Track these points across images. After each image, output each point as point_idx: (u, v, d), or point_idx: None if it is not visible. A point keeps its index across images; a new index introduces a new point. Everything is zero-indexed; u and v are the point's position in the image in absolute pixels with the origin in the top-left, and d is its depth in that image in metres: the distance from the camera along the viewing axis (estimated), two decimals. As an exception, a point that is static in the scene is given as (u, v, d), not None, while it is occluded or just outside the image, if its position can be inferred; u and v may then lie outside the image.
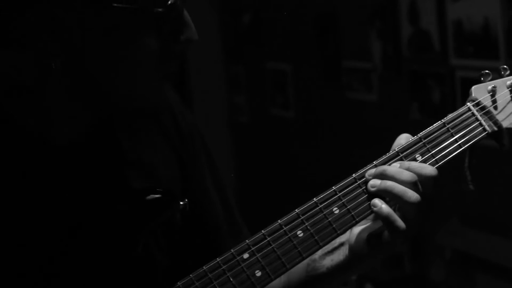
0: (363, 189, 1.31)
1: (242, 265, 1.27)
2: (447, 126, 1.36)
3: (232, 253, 1.27)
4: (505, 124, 1.36)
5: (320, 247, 1.29)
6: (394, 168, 1.30)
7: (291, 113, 4.83)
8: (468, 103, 1.38)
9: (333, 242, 1.34)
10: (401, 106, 3.86)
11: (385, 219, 1.28)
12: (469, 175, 1.36)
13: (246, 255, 1.27)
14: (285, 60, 4.80)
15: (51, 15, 1.19)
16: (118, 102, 1.28)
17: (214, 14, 5.36)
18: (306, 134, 4.72)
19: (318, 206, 1.30)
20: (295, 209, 1.29)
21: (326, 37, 4.42)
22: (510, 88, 1.38)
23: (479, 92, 1.38)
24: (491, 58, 3.27)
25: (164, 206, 1.32)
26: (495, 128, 1.36)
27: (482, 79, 1.39)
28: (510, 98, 1.38)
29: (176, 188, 1.38)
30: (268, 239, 1.28)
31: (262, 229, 1.29)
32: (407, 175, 1.28)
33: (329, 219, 1.30)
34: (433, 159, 1.33)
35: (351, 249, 1.35)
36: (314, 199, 1.30)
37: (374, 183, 1.30)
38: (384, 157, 1.33)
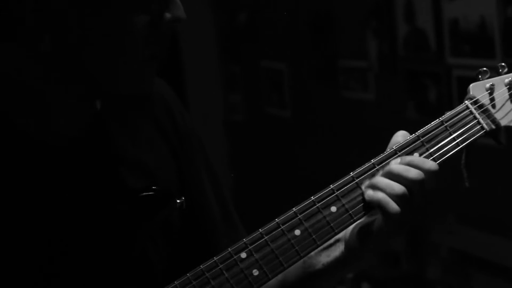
0: (360, 188, 1.30)
1: (240, 264, 1.26)
2: (445, 125, 1.35)
3: (229, 252, 1.27)
4: (503, 122, 1.36)
5: (318, 246, 1.29)
6: (401, 166, 1.29)
7: (287, 112, 4.82)
8: (466, 101, 1.37)
9: None
10: (398, 105, 3.85)
11: (378, 203, 1.28)
12: (466, 173, 1.36)
13: (243, 254, 1.27)
14: (281, 59, 4.80)
15: None
16: (108, 89, 1.26)
17: (210, 13, 5.36)
18: (302, 133, 4.72)
19: (315, 205, 1.30)
20: (293, 208, 1.29)
21: (322, 36, 4.41)
22: (508, 86, 1.37)
23: (477, 90, 1.37)
24: (487, 57, 3.27)
25: (161, 204, 1.31)
26: (493, 127, 1.36)
27: (480, 77, 1.38)
28: (508, 96, 1.37)
29: (173, 187, 1.38)
30: (266, 238, 1.28)
31: (259, 228, 1.28)
32: (414, 173, 1.28)
33: (327, 218, 1.29)
34: (431, 158, 1.33)
35: (347, 244, 1.35)
36: (312, 197, 1.30)
37: (368, 193, 1.30)
38: (382, 155, 1.33)
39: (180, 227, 1.38)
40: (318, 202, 1.29)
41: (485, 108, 1.36)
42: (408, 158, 1.30)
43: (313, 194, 1.30)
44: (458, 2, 3.49)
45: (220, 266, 1.26)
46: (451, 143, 1.34)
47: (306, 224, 1.28)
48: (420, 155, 1.33)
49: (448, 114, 1.36)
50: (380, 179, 1.28)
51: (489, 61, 3.21)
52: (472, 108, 1.36)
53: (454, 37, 3.53)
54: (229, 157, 5.49)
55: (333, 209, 1.29)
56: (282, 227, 1.28)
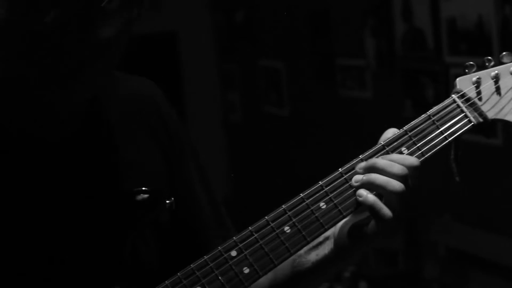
0: (349, 183, 1.30)
1: (230, 262, 1.26)
2: (432, 119, 1.35)
3: (219, 251, 1.26)
4: (490, 115, 1.35)
5: (308, 242, 1.28)
6: (385, 161, 1.29)
7: (285, 111, 4.82)
8: (452, 95, 1.37)
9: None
10: (395, 103, 3.86)
11: (371, 208, 1.27)
12: (455, 167, 1.35)
13: (233, 252, 1.26)
14: (278, 57, 4.80)
15: None
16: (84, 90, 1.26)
17: (207, 12, 5.36)
18: (299, 132, 4.72)
19: (304, 201, 1.29)
20: (282, 205, 1.28)
21: (319, 35, 4.42)
22: (494, 79, 1.37)
23: (464, 83, 1.37)
24: (484, 55, 3.26)
25: (150, 205, 1.31)
26: (481, 120, 1.36)
27: (466, 70, 1.38)
28: (494, 89, 1.37)
29: (162, 188, 1.37)
30: (256, 235, 1.27)
31: (249, 226, 1.28)
32: (397, 168, 1.27)
33: (316, 214, 1.28)
34: (419, 152, 1.32)
35: (336, 242, 1.34)
36: (301, 194, 1.29)
37: (357, 178, 1.29)
38: (370, 150, 1.32)
39: (170, 227, 1.37)
40: (307, 199, 1.29)
41: (472, 101, 1.36)
42: (389, 157, 1.30)
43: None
44: (456, 1, 3.49)
45: (211, 264, 1.25)
46: (439, 137, 1.34)
47: (296, 221, 1.28)
48: (408, 149, 1.32)
49: (435, 108, 1.35)
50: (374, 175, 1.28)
51: (486, 59, 3.21)
52: (459, 101, 1.36)
53: (451, 36, 3.53)
54: (227, 155, 5.50)
55: (322, 205, 1.29)
56: (271, 224, 1.27)
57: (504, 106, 1.36)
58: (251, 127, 5.24)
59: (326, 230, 1.29)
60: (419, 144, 1.33)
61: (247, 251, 1.26)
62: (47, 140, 1.28)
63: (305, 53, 4.53)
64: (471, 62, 1.38)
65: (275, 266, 1.27)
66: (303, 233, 1.28)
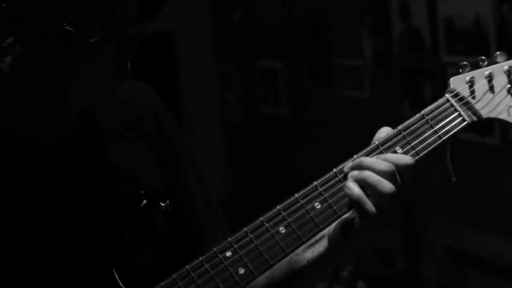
0: (344, 183, 1.30)
1: (225, 263, 1.26)
2: (426, 118, 1.35)
3: (214, 252, 1.26)
4: (484, 113, 1.36)
5: (303, 242, 1.28)
6: (371, 158, 1.29)
7: (283, 111, 4.82)
8: (446, 94, 1.37)
9: None
10: (393, 103, 3.85)
11: (356, 202, 1.27)
12: (451, 167, 1.35)
13: (228, 253, 1.26)
14: (276, 57, 4.79)
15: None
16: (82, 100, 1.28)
17: (205, 12, 5.36)
18: (297, 132, 4.72)
19: (299, 201, 1.29)
20: (277, 205, 1.28)
21: (317, 35, 4.41)
22: (488, 78, 1.37)
23: (457, 83, 1.38)
24: (482, 54, 3.26)
25: (145, 208, 1.31)
26: (475, 118, 1.36)
27: (460, 70, 1.39)
28: (488, 88, 1.37)
29: (157, 191, 1.37)
30: (250, 236, 1.27)
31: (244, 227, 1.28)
32: (383, 165, 1.27)
33: (311, 214, 1.28)
34: (413, 151, 1.32)
35: (330, 240, 1.34)
36: (296, 195, 1.29)
37: (351, 174, 1.29)
38: (365, 150, 1.32)
39: (165, 230, 1.37)
40: (302, 199, 1.29)
41: (465, 100, 1.36)
42: (384, 155, 1.30)
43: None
44: (453, 1, 3.49)
45: (206, 265, 1.25)
46: (433, 136, 1.34)
47: (291, 221, 1.28)
48: (402, 149, 1.32)
49: (429, 107, 1.36)
50: (367, 173, 1.28)
51: (484, 59, 3.21)
52: (452, 101, 1.36)
53: (449, 35, 3.53)
54: (225, 155, 5.49)
55: (317, 205, 1.29)
56: (266, 225, 1.27)
57: (498, 104, 1.36)
58: (249, 127, 5.24)
59: (321, 230, 1.29)
60: (414, 143, 1.33)
61: (242, 252, 1.26)
62: (44, 144, 1.28)
63: (303, 53, 4.53)
64: (465, 62, 1.39)
65: (271, 266, 1.27)
66: (298, 233, 1.28)
